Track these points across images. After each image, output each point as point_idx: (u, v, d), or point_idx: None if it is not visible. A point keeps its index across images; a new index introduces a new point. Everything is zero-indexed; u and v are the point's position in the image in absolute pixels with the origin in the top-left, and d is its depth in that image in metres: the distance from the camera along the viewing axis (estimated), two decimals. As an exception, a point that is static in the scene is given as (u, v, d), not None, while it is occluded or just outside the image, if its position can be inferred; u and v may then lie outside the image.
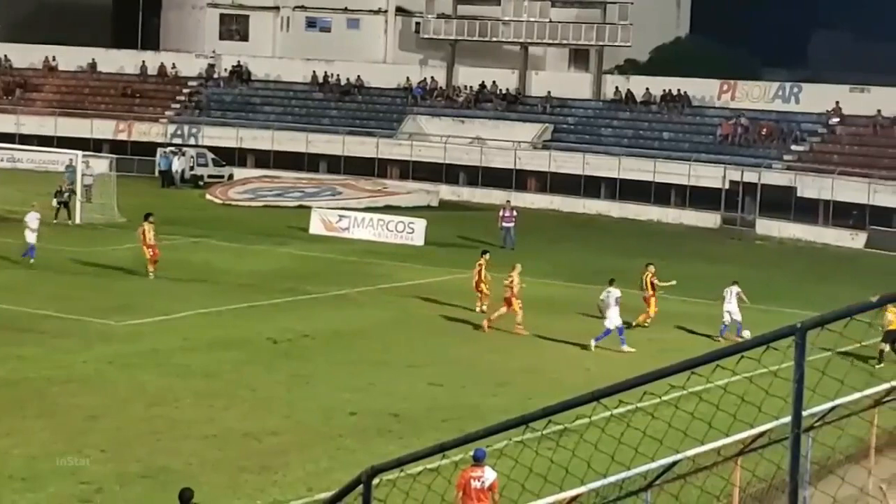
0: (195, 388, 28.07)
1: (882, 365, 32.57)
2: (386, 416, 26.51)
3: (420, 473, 9.63)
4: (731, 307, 36.76)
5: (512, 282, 36.78)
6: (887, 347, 33.84)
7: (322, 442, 24.44)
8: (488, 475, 18.09)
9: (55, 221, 54.68)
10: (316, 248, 52.17)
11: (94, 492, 20.95)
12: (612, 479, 15.02)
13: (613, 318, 34.83)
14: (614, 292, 35.11)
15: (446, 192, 75.70)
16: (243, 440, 24.28)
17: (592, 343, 34.51)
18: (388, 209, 63.63)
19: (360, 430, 25.40)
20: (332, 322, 36.74)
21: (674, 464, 16.03)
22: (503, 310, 36.64)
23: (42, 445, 23.22)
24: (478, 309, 39.51)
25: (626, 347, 34.32)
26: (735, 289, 36.94)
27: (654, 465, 15.38)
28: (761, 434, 16.89)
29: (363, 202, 66.99)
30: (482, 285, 39.78)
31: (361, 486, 7.24)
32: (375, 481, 7.23)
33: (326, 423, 25.92)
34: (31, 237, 44.39)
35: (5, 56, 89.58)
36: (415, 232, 55.61)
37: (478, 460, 18.09)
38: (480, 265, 40.00)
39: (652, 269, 38.62)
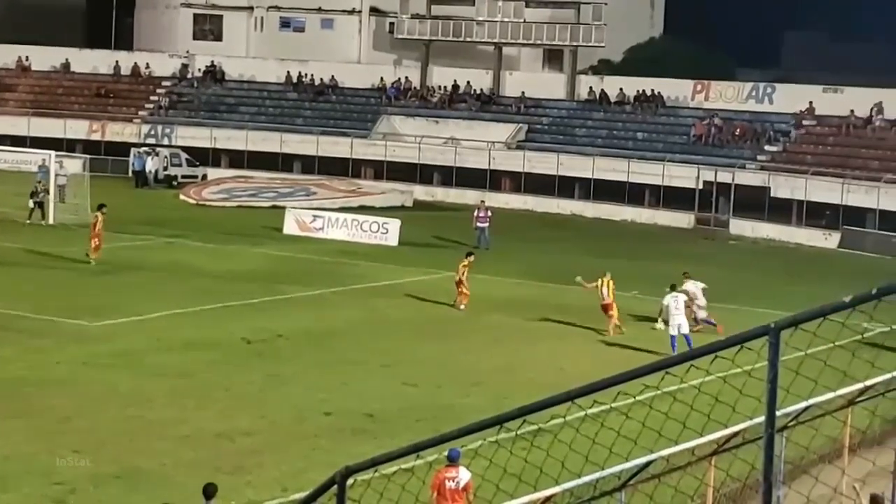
0: (169, 389, 28.00)
1: None
2: (360, 416, 26.49)
3: (394, 474, 9.64)
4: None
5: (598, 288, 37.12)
6: None
7: (296, 442, 24.41)
8: (463, 475, 18.10)
9: (28, 222, 54.53)
10: (290, 248, 52.08)
11: (68, 492, 20.88)
12: (586, 479, 15.04)
13: (684, 325, 34.17)
14: (681, 297, 34.61)
15: (420, 192, 75.67)
16: (217, 440, 24.24)
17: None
18: (363, 209, 63.55)
19: (334, 430, 25.38)
20: (306, 322, 36.71)
21: (648, 464, 16.07)
22: (612, 318, 36.98)
23: (15, 446, 23.13)
24: (459, 307, 39.79)
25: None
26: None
27: (628, 464, 15.41)
28: (735, 434, 16.94)
29: (337, 202, 66.91)
30: (462, 286, 39.94)
31: (336, 487, 7.24)
32: (350, 481, 7.23)
33: (301, 423, 25.89)
34: None
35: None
36: (389, 232, 55.57)
37: (452, 460, 18.10)
38: (465, 266, 40.17)
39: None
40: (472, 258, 40.94)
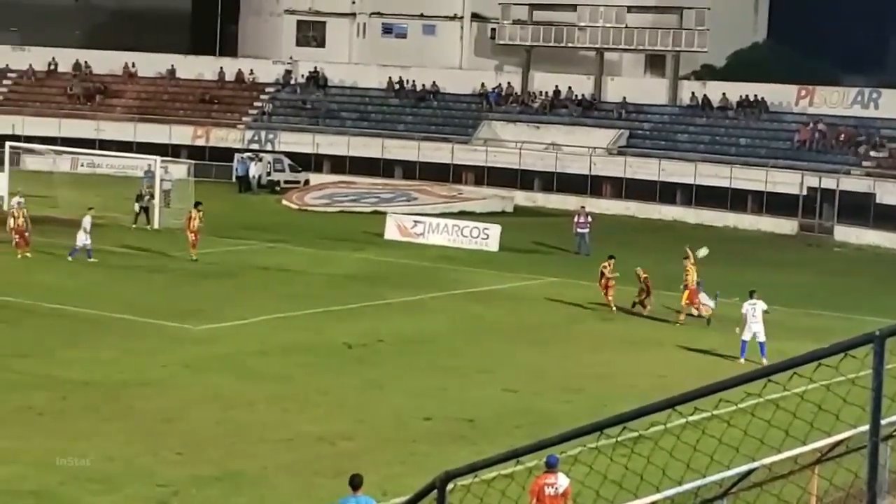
0: (269, 392, 28.22)
1: None
2: (459, 421, 26.51)
3: (494, 479, 9.62)
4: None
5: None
6: None
7: (395, 447, 24.48)
8: (562, 481, 18.05)
9: (135, 226, 55.34)
10: (391, 253, 52.30)
11: (171, 494, 21.12)
12: (687, 486, 14.92)
13: (760, 333, 34.13)
14: (759, 305, 34.48)
15: (521, 197, 75.59)
16: (317, 444, 24.38)
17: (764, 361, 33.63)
18: (463, 215, 63.66)
19: (433, 435, 25.42)
20: (406, 327, 36.82)
21: (750, 472, 15.90)
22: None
23: (118, 447, 23.43)
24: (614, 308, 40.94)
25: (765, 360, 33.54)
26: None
27: (729, 472, 15.26)
28: (839, 443, 16.72)
29: (438, 208, 67.04)
30: (610, 291, 40.91)
31: (436, 491, 7.24)
32: (450, 486, 7.23)
33: (400, 427, 25.96)
34: (81, 238, 45.66)
35: (85, 62, 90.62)
36: (489, 238, 55.58)
37: (551, 466, 18.04)
38: (605, 267, 41.33)
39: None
40: (612, 260, 41.80)
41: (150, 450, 23.29)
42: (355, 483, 17.96)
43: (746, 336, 34.26)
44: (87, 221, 46.05)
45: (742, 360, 33.55)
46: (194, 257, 46.60)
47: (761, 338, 34.08)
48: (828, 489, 18.06)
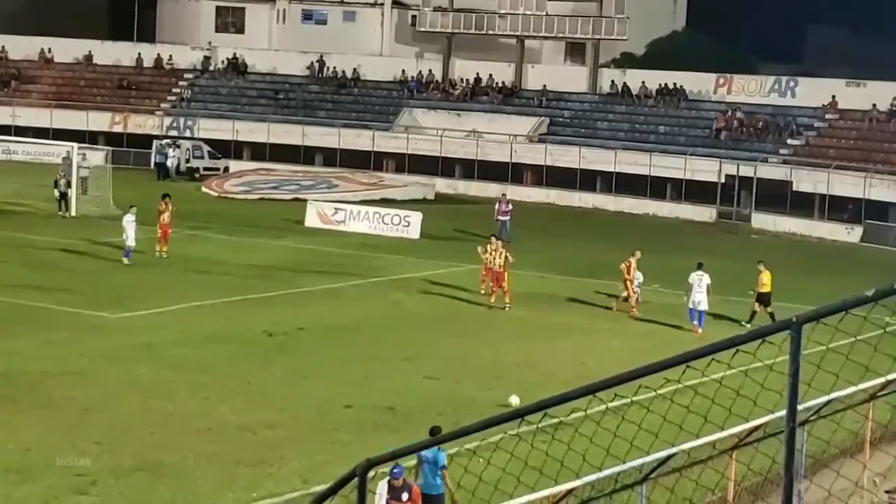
0: (190, 382, 28.04)
1: (750, 325, 35.41)
2: (381, 409, 26.50)
3: (415, 466, 9.64)
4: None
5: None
6: (759, 309, 37.03)
7: (317, 435, 24.43)
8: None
9: (60, 213, 54.66)
10: (311, 241, 52.15)
11: (89, 484, 20.93)
12: (607, 472, 15.02)
13: (703, 303, 36.10)
14: (705, 276, 36.33)
15: (442, 185, 75.67)
16: (238, 433, 24.27)
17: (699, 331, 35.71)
18: (384, 202, 63.60)
19: (355, 423, 25.39)
20: (327, 315, 36.72)
21: (669, 457, 16.04)
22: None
23: (36, 438, 23.19)
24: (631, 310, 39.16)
25: (699, 329, 35.86)
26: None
27: (649, 458, 15.40)
28: (756, 428, 16.91)
29: (359, 195, 66.92)
30: (628, 286, 39.17)
31: (357, 479, 7.24)
32: (371, 474, 7.23)
33: (322, 416, 25.91)
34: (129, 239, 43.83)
35: (2, 48, 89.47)
36: (410, 225, 55.60)
37: (396, 478, 17.30)
38: (629, 263, 39.38)
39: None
40: (638, 255, 39.82)
41: (69, 440, 23.07)
42: (434, 431, 17.71)
43: (691, 305, 36.40)
44: (126, 220, 44.09)
45: (698, 330, 35.68)
46: (165, 254, 45.34)
47: (702, 307, 36.19)
48: (745, 474, 18.29)
